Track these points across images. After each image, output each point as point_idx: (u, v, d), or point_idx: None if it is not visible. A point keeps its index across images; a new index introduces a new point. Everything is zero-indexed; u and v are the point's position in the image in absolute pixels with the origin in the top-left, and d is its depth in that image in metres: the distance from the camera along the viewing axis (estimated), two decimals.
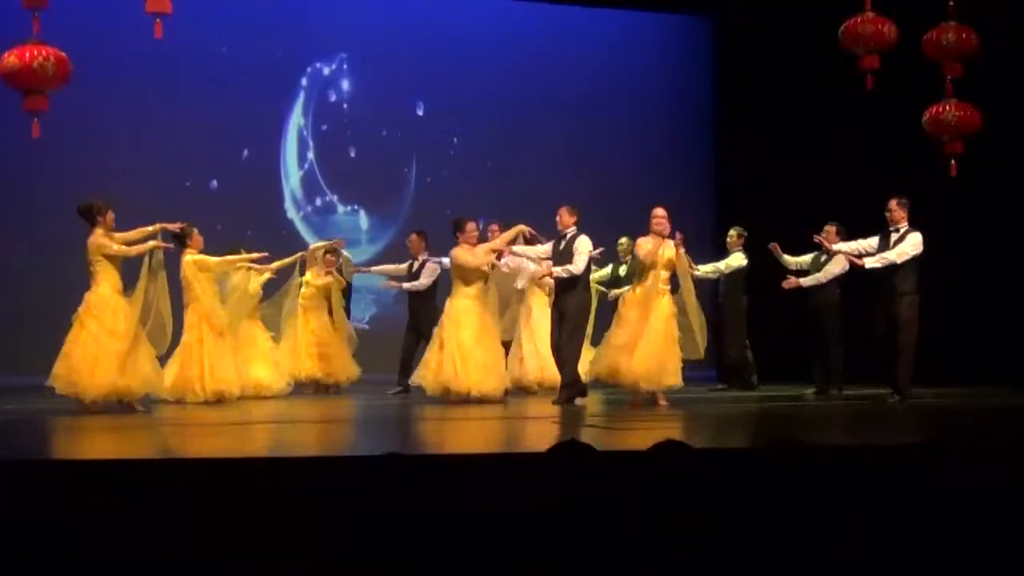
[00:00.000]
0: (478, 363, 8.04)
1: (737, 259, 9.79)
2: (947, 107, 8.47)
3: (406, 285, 9.66)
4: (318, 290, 9.72)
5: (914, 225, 7.99)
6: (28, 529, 3.23)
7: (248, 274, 8.93)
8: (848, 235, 8.61)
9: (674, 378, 7.51)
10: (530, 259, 8.71)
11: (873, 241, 8.13)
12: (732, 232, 9.92)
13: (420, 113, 12.28)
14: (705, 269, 9.52)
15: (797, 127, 11.25)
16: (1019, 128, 9.46)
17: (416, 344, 9.35)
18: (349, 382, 9.67)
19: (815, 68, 10.46)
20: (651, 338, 7.45)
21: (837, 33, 8.13)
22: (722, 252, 10.04)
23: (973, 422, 6.79)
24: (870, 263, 7.96)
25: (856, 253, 8.14)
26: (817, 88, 10.77)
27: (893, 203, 8.04)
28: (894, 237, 8.02)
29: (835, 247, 8.32)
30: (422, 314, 9.49)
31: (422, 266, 9.68)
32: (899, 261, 7.90)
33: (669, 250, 7.61)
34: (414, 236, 9.90)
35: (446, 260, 9.27)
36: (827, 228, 8.88)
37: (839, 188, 10.29)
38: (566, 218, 8.26)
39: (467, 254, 8.29)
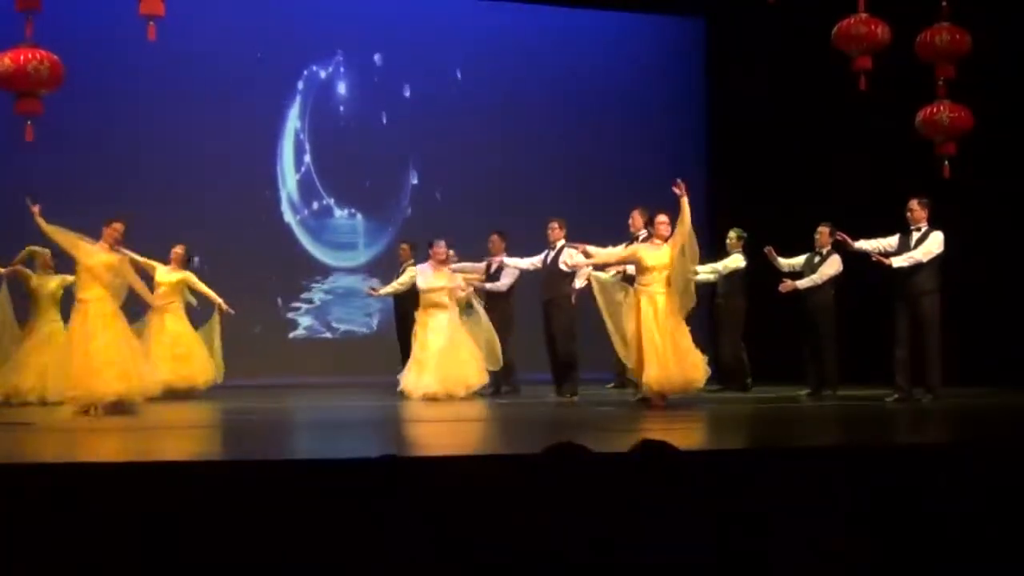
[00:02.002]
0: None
1: (736, 260, 9.78)
2: (940, 108, 8.48)
3: (488, 285, 9.60)
4: (171, 288, 9.29)
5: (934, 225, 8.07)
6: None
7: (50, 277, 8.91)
8: (839, 232, 8.64)
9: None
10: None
11: (893, 240, 8.16)
12: (732, 234, 9.91)
13: (417, 115, 12.29)
14: (703, 270, 9.54)
15: (790, 128, 11.26)
16: (1012, 129, 9.47)
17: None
18: (207, 385, 9.28)
19: (808, 69, 10.47)
20: (684, 341, 7.58)
21: (830, 34, 8.15)
22: (715, 253, 10.05)
23: (969, 423, 6.80)
24: (897, 262, 7.99)
25: (880, 251, 8.16)
26: (810, 89, 10.78)
27: (914, 203, 8.09)
28: (916, 236, 8.06)
29: (857, 244, 8.33)
30: (498, 315, 9.48)
31: (501, 267, 9.60)
32: (925, 260, 7.97)
33: (668, 253, 7.68)
34: (495, 236, 9.76)
35: (514, 261, 9.39)
36: (820, 229, 8.90)
37: (832, 189, 10.31)
38: (638, 220, 8.55)
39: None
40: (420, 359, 8.97)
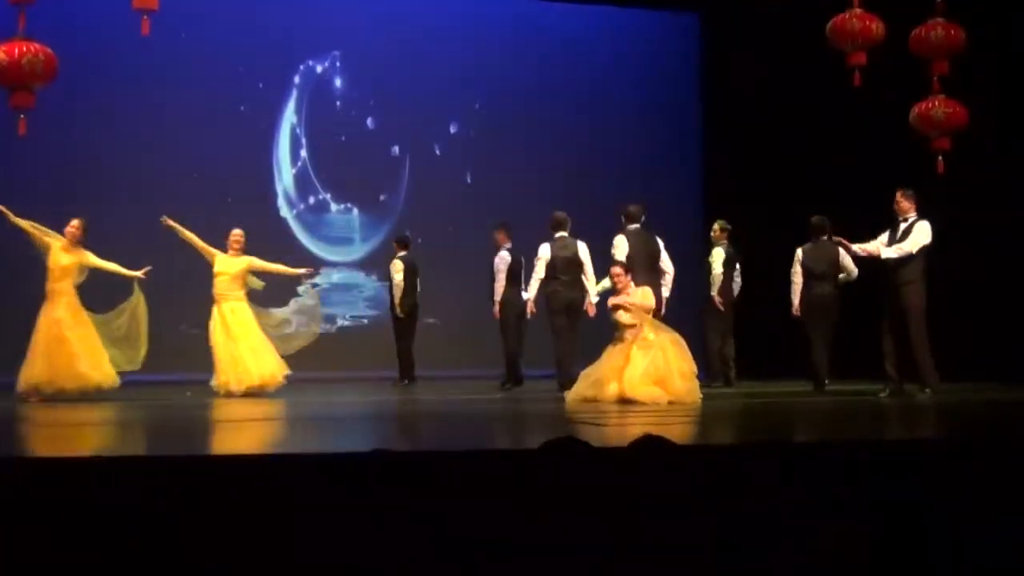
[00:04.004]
0: None
1: (719, 255, 9.76)
2: (935, 104, 8.50)
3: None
4: None
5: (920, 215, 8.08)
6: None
7: None
8: (834, 229, 8.65)
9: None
10: None
11: (883, 237, 8.15)
12: (715, 226, 9.90)
13: (413, 111, 12.28)
14: (715, 284, 9.56)
15: (785, 124, 11.28)
16: (1006, 125, 9.48)
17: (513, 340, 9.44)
18: None
19: (803, 65, 10.49)
20: (677, 359, 7.55)
21: (825, 29, 8.15)
22: (709, 248, 10.06)
23: (968, 418, 6.79)
24: (886, 252, 7.98)
25: (873, 248, 8.15)
26: (805, 85, 10.79)
27: (899, 195, 8.09)
28: (903, 227, 8.05)
29: (855, 247, 8.29)
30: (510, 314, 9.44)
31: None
32: (914, 251, 7.96)
33: (645, 299, 7.70)
34: (500, 231, 9.61)
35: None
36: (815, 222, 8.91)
37: (827, 184, 10.33)
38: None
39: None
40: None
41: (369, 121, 12.22)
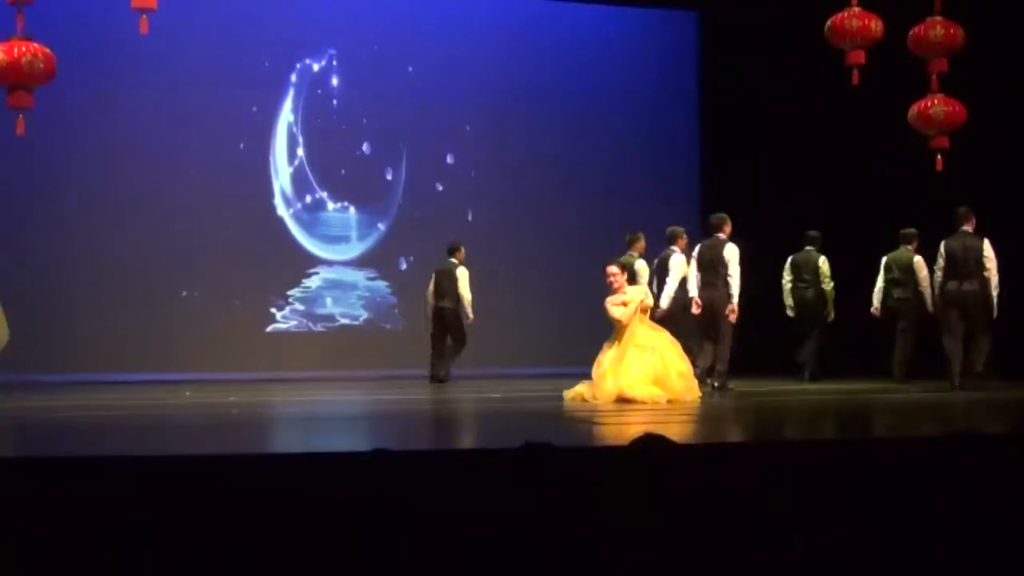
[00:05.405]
0: None
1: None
2: (933, 102, 8.50)
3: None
4: None
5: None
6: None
7: None
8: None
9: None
10: None
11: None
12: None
13: (410, 109, 12.27)
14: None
15: (783, 123, 11.27)
16: (1005, 123, 9.49)
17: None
18: None
19: (801, 63, 10.48)
20: (675, 358, 7.54)
21: (824, 28, 8.16)
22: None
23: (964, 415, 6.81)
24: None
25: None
26: (803, 83, 10.79)
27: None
28: None
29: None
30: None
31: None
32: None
33: (638, 298, 7.68)
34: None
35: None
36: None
37: (825, 183, 10.32)
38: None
39: None
40: None
41: (366, 119, 12.20)
